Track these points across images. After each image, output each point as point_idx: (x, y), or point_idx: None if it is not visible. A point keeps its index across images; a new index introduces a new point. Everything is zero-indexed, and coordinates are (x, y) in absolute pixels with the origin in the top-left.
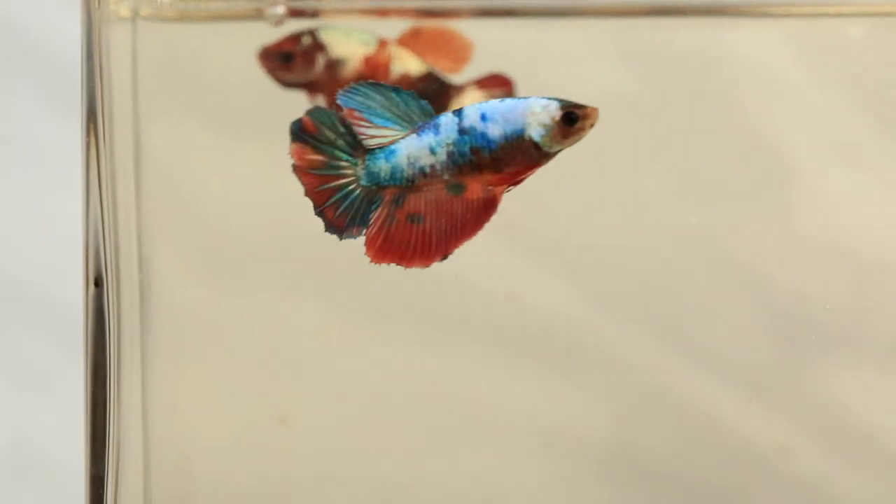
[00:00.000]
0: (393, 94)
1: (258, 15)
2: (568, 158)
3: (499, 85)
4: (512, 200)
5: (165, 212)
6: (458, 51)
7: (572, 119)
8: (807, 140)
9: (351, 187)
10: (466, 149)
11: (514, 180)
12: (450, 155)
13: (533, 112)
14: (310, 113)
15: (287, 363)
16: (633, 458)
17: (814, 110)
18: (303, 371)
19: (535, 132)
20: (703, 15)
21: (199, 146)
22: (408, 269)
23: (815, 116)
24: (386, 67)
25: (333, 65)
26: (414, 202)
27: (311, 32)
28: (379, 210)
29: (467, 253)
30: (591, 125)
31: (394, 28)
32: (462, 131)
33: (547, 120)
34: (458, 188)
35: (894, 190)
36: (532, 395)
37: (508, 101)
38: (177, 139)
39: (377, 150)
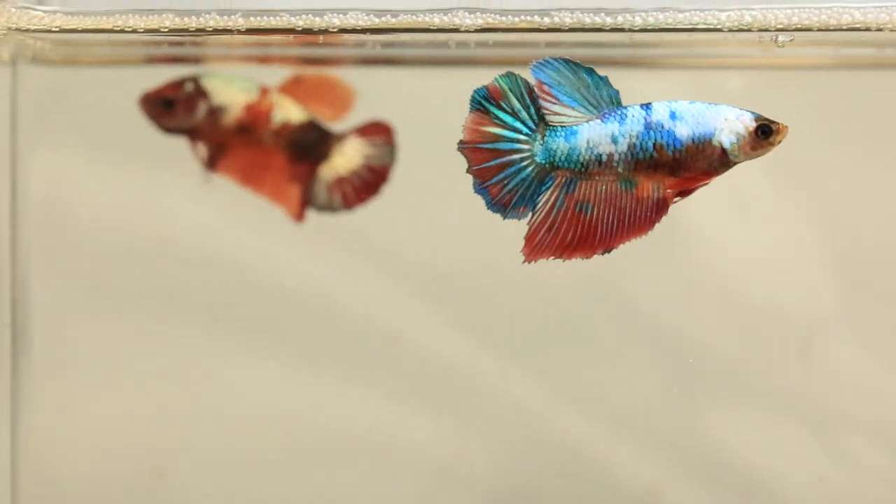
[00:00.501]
0: (585, 75)
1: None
2: (461, 198)
3: (379, 132)
4: (398, 238)
5: (44, 243)
6: (340, 99)
7: (767, 132)
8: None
9: (524, 163)
10: (650, 144)
11: (685, 187)
12: (631, 147)
13: (726, 119)
14: (498, 79)
15: (168, 404)
16: (518, 498)
17: None
18: (184, 417)
19: (725, 139)
20: (594, 66)
21: (81, 181)
22: (302, 308)
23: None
24: (267, 115)
25: (215, 112)
26: (584, 190)
27: (194, 79)
28: (549, 193)
29: (351, 290)
30: (780, 142)
31: (276, 75)
32: (648, 126)
33: (741, 128)
34: (629, 184)
35: (779, 237)
36: (418, 433)
37: (699, 104)
38: (57, 174)
39: (558, 128)
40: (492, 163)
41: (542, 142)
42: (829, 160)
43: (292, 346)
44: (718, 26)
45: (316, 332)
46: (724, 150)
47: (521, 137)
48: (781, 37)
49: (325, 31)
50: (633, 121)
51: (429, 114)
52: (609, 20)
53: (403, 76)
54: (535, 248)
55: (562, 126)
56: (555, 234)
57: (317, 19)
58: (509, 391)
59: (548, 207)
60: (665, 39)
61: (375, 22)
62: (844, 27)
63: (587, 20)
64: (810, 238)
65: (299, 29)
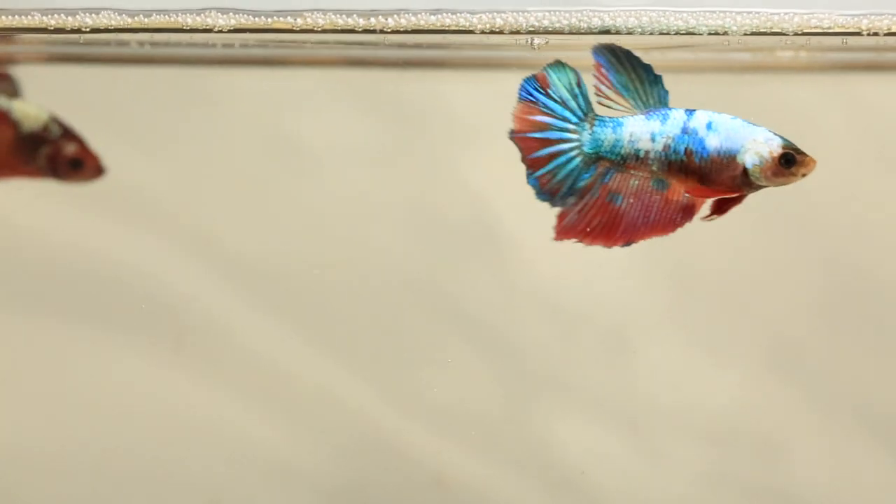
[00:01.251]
0: (642, 70)
1: None
2: (301, 200)
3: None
4: (237, 231)
5: None
6: None
7: (789, 161)
8: (518, 195)
9: (574, 153)
10: (682, 148)
11: (718, 205)
12: (665, 147)
13: (755, 139)
14: (547, 68)
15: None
16: (344, 496)
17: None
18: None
19: (749, 159)
20: (430, 67)
21: None
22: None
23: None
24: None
25: None
26: (619, 181)
27: None
28: (588, 180)
29: (185, 287)
30: (804, 175)
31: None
32: (685, 130)
33: (765, 152)
34: (662, 184)
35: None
36: (246, 429)
37: (740, 120)
38: None
39: (606, 119)
40: (542, 152)
41: (590, 132)
42: None
43: (106, 335)
44: (471, 28)
45: (142, 322)
46: (745, 170)
47: (570, 126)
48: (536, 39)
49: (77, 31)
50: (673, 123)
51: (279, 113)
52: (362, 21)
53: (253, 76)
54: (563, 228)
55: (609, 117)
56: (582, 217)
57: (69, 18)
58: (336, 390)
59: (583, 192)
60: (449, 40)
61: (129, 22)
62: (595, 30)
63: (340, 21)
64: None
65: (51, 28)
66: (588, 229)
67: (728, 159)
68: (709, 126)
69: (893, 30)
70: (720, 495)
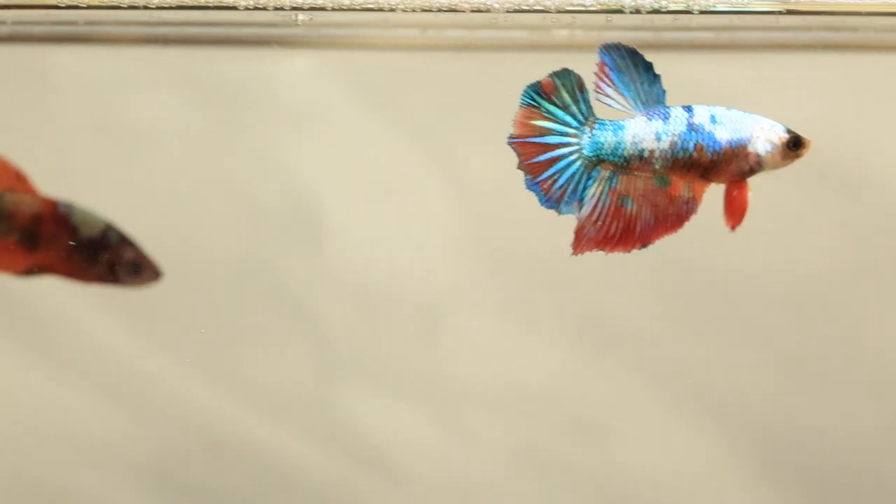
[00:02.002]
0: (643, 69)
1: None
2: (121, 182)
3: None
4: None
5: None
6: None
7: (797, 144)
8: (341, 173)
9: (573, 157)
10: (691, 145)
11: (736, 204)
12: (672, 146)
13: (762, 128)
14: (552, 74)
15: None
16: (163, 473)
17: (349, 143)
18: None
19: (761, 147)
20: (246, 45)
21: None
22: None
23: (350, 149)
24: None
25: None
26: (625, 184)
27: None
28: (595, 186)
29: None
30: (802, 156)
31: None
32: (691, 127)
33: (774, 139)
34: (664, 181)
35: (407, 214)
36: (63, 403)
37: (735, 111)
38: None
39: (606, 122)
40: (541, 157)
41: (590, 135)
42: (458, 136)
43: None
44: (234, 5)
45: None
46: (758, 158)
47: (570, 131)
48: (301, 15)
49: None
50: (677, 121)
51: (89, 92)
52: None
53: (57, 53)
54: (582, 241)
55: (609, 120)
56: (600, 226)
57: None
58: (150, 366)
59: (594, 201)
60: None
61: None
62: (358, 7)
63: None
64: (437, 213)
65: None
66: (607, 237)
67: (740, 150)
68: (713, 120)
69: (657, 7)
70: (531, 473)
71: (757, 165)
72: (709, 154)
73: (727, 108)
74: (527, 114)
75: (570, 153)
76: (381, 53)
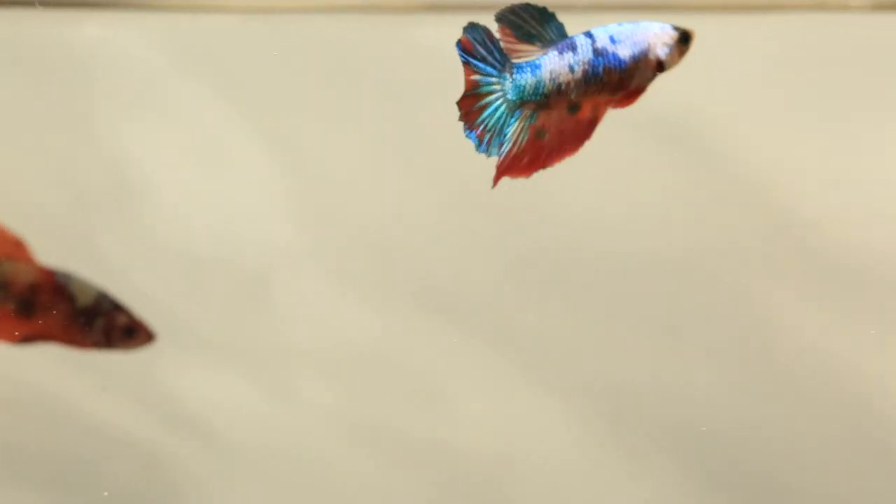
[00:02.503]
0: (536, 13)
1: None
2: None
3: None
4: None
5: None
6: None
7: (686, 38)
8: (164, 142)
9: (498, 103)
10: (600, 69)
11: (619, 106)
12: (584, 74)
13: (655, 33)
14: (465, 30)
15: None
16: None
17: (173, 111)
18: None
19: (661, 51)
20: (58, 7)
21: None
22: None
23: (174, 117)
24: None
25: None
26: (543, 118)
27: None
28: (515, 125)
29: None
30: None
31: None
32: (596, 52)
33: (668, 39)
34: (575, 108)
35: (240, 180)
36: None
37: (626, 24)
38: None
39: (524, 65)
40: (473, 107)
41: (511, 80)
42: (298, 106)
43: None
44: None
45: None
46: (660, 62)
47: (493, 80)
48: None
49: None
50: (584, 49)
51: None
52: None
53: None
54: (499, 174)
55: (526, 62)
56: (515, 160)
57: None
58: None
59: (514, 138)
60: None
61: None
62: None
63: None
64: (265, 181)
65: None
66: (520, 167)
67: (642, 61)
68: (612, 40)
69: None
70: (364, 441)
71: (659, 69)
72: (616, 74)
73: (619, 23)
74: (466, 72)
75: (496, 99)
76: (207, 17)
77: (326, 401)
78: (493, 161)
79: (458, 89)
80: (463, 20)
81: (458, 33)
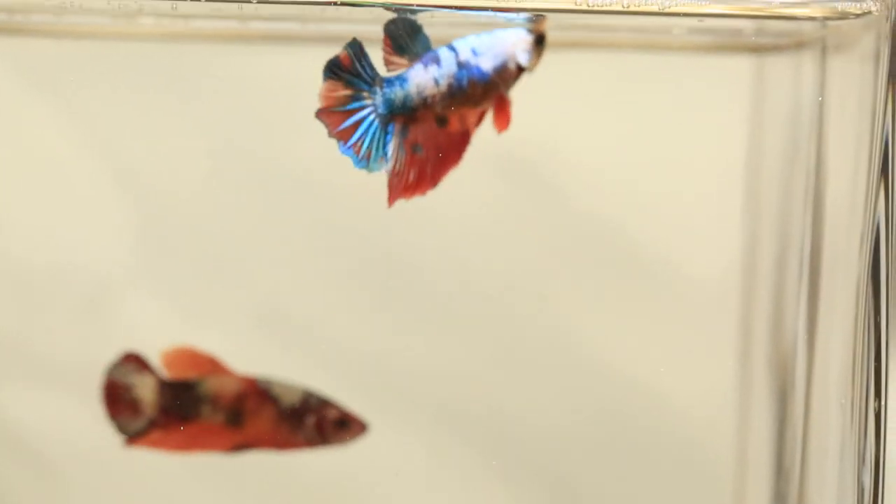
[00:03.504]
0: (405, 24)
1: None
2: None
3: None
4: None
5: None
6: None
7: (541, 40)
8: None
9: (371, 117)
10: (465, 82)
11: (481, 115)
12: (449, 87)
13: (513, 42)
14: (346, 47)
15: None
16: None
17: (15, 130)
18: None
19: (521, 58)
20: None
21: None
22: None
23: (16, 136)
24: None
25: None
26: (414, 133)
27: None
28: (392, 141)
29: None
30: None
31: None
32: (460, 65)
33: (526, 45)
34: (442, 121)
35: (83, 213)
36: None
37: (484, 35)
38: None
39: (393, 79)
40: (346, 123)
41: (381, 93)
42: (137, 127)
43: None
44: None
45: None
46: (520, 67)
47: (364, 94)
48: None
49: None
50: (448, 63)
51: None
52: None
53: None
54: (392, 194)
55: (395, 76)
56: (399, 177)
57: None
58: None
59: (394, 156)
60: None
61: None
62: None
63: None
64: (104, 203)
65: None
66: (407, 186)
67: (504, 70)
68: (474, 52)
69: None
70: (197, 460)
71: (520, 74)
72: (480, 86)
73: (478, 34)
74: (330, 87)
75: (369, 114)
76: (43, 40)
77: None
78: (332, 181)
79: (292, 114)
80: (293, 50)
81: (283, 61)
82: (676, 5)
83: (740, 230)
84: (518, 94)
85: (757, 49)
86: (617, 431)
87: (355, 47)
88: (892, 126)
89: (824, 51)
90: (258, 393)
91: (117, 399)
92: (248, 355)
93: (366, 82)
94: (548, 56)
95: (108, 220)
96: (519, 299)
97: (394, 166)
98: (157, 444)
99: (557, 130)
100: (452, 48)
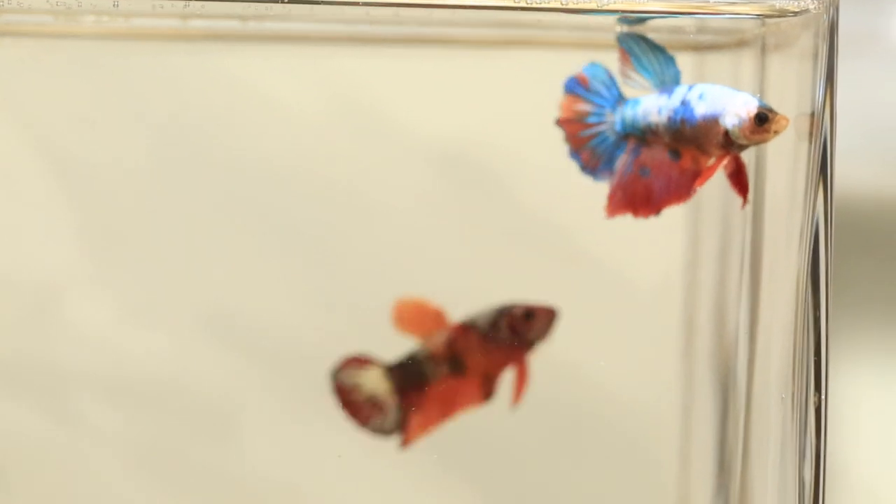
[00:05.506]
0: (658, 52)
1: None
2: None
3: None
4: None
5: None
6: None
7: (762, 119)
8: None
9: (607, 132)
10: (678, 118)
11: (713, 162)
12: (669, 119)
13: (733, 102)
14: (585, 70)
15: None
16: None
17: None
18: None
19: (729, 121)
20: None
21: None
22: None
23: None
24: None
25: None
26: (646, 155)
27: None
28: (622, 157)
29: None
30: (776, 132)
31: None
32: (683, 102)
33: (743, 113)
34: (675, 154)
35: (29, 213)
36: None
37: (724, 88)
38: None
39: (629, 100)
40: (583, 133)
41: (620, 112)
42: (83, 128)
43: None
44: None
45: None
46: (727, 132)
47: (605, 112)
48: None
49: None
50: (676, 96)
51: None
52: None
53: None
54: (614, 205)
55: (633, 98)
56: (625, 192)
57: None
58: None
59: (621, 169)
60: None
61: None
62: None
63: None
64: (50, 204)
65: None
66: (632, 203)
67: (712, 123)
68: (700, 96)
69: None
70: (150, 467)
71: (727, 138)
72: (688, 127)
73: (720, 85)
74: (570, 101)
75: (605, 129)
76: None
77: (110, 426)
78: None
79: (242, 117)
80: (234, 48)
81: (225, 60)
82: (615, 3)
83: (682, 226)
84: (463, 91)
85: (697, 47)
86: (559, 425)
87: (596, 71)
88: (830, 124)
89: (763, 49)
90: (464, 330)
91: (358, 406)
92: (196, 353)
93: (608, 101)
94: (489, 54)
95: (52, 220)
96: (462, 293)
97: (619, 180)
98: (421, 428)
99: (500, 129)
100: (691, 87)
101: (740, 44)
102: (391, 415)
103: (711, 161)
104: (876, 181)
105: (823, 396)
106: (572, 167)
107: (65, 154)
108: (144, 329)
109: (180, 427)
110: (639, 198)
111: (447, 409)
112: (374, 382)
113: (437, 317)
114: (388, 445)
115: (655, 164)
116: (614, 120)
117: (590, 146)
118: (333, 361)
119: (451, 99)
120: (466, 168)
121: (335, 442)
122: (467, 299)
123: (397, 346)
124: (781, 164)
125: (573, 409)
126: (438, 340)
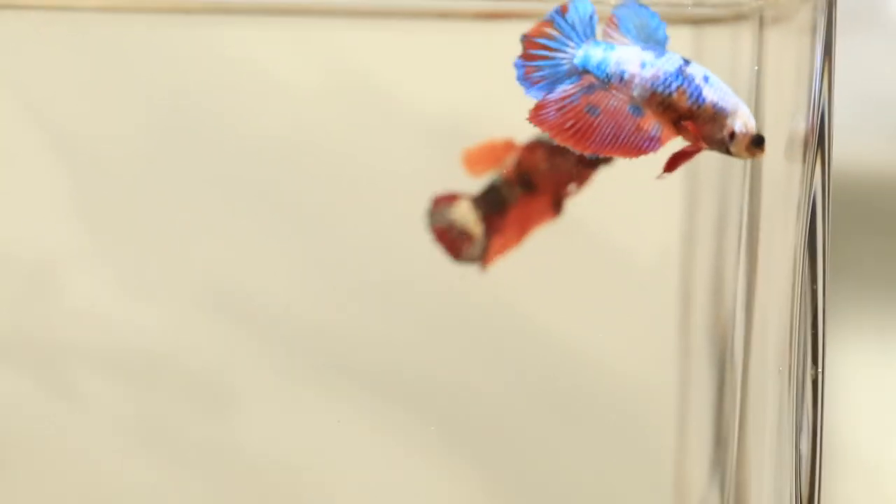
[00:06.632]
0: (648, 17)
1: None
2: None
3: None
4: None
5: None
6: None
7: (759, 143)
8: None
9: (563, 61)
10: (674, 86)
11: (673, 161)
12: (654, 78)
13: (743, 111)
14: (571, 1)
15: None
16: None
17: None
18: None
19: (738, 124)
20: None
21: None
22: None
23: None
24: None
25: None
26: (600, 97)
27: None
28: (571, 86)
29: None
30: (752, 157)
31: None
32: (680, 72)
33: (750, 125)
34: (637, 111)
35: (27, 189)
36: None
37: (726, 85)
38: None
39: (601, 42)
40: (538, 52)
41: (584, 49)
42: (81, 104)
43: None
44: None
45: None
46: (733, 133)
47: (570, 44)
48: None
49: None
50: (670, 60)
51: None
52: None
53: None
54: (539, 117)
55: (604, 41)
56: (558, 115)
57: None
58: None
59: (562, 94)
60: None
61: None
62: None
63: None
64: (48, 179)
65: None
66: (560, 127)
67: (720, 116)
68: (706, 79)
69: None
70: (146, 441)
71: (728, 139)
72: (689, 102)
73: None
74: (544, 22)
75: (562, 58)
76: None
77: (109, 400)
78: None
79: (239, 90)
80: (234, 20)
81: (236, 35)
82: None
83: (679, 199)
84: (460, 69)
85: (695, 21)
86: (557, 400)
87: (581, 5)
88: (828, 97)
89: (762, 22)
90: (532, 149)
91: (453, 241)
92: (194, 328)
93: (580, 37)
94: (473, 27)
95: (50, 194)
96: (461, 270)
97: (558, 103)
98: (501, 250)
99: (497, 101)
100: (687, 61)
101: (738, 17)
102: (479, 243)
103: (677, 138)
104: (874, 155)
105: (820, 369)
106: None
107: (63, 127)
108: (142, 304)
109: (178, 401)
110: (579, 129)
111: (524, 228)
112: (463, 215)
113: (506, 145)
114: (392, 414)
115: (609, 110)
116: (576, 54)
117: (539, 64)
118: (332, 339)
119: (447, 71)
120: (464, 140)
121: (333, 413)
122: (465, 270)
123: (393, 317)
124: (779, 137)
125: (571, 383)
126: (510, 163)
